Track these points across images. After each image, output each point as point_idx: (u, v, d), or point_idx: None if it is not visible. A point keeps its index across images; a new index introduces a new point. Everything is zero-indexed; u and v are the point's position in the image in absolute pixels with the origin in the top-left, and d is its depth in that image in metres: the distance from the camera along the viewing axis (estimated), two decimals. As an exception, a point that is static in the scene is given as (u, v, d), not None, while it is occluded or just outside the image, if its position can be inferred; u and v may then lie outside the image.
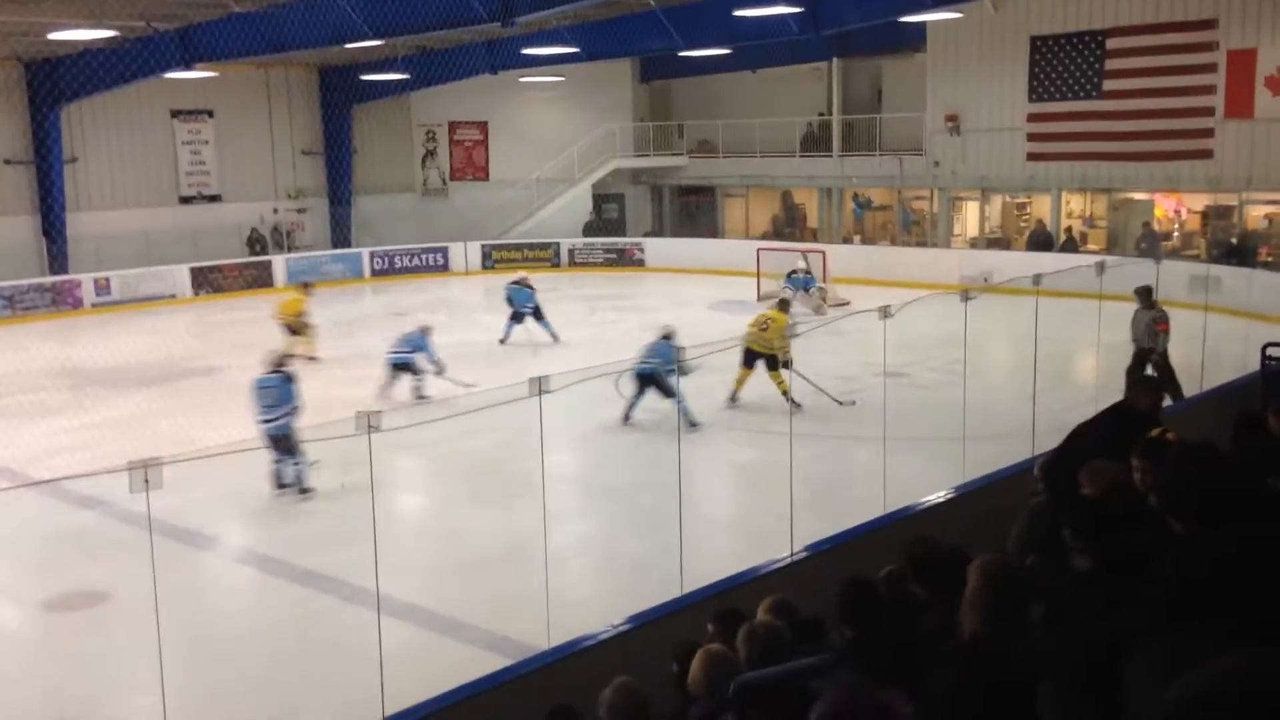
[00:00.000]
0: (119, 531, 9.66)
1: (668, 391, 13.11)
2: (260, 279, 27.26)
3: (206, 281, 26.49)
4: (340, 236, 30.67)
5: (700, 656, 4.48)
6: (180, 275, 26.13)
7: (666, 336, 13.87)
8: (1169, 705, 1.60)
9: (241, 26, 20.44)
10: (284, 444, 11.27)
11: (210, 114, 28.56)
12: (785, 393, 13.25)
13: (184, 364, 18.34)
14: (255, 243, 28.80)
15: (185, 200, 28.40)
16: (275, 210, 29.69)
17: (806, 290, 22.27)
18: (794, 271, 22.77)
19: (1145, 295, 13.22)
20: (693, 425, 12.83)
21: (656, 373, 13.34)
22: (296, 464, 11.39)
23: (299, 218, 30.20)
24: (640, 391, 13.58)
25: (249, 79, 28.42)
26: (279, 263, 27.88)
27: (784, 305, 15.05)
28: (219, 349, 19.76)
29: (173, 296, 25.76)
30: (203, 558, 10.16)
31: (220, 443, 11.43)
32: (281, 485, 11.46)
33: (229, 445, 10.59)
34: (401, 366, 15.56)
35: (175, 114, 28.00)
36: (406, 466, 12.48)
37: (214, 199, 28.82)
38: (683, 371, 11.43)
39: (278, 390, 11.45)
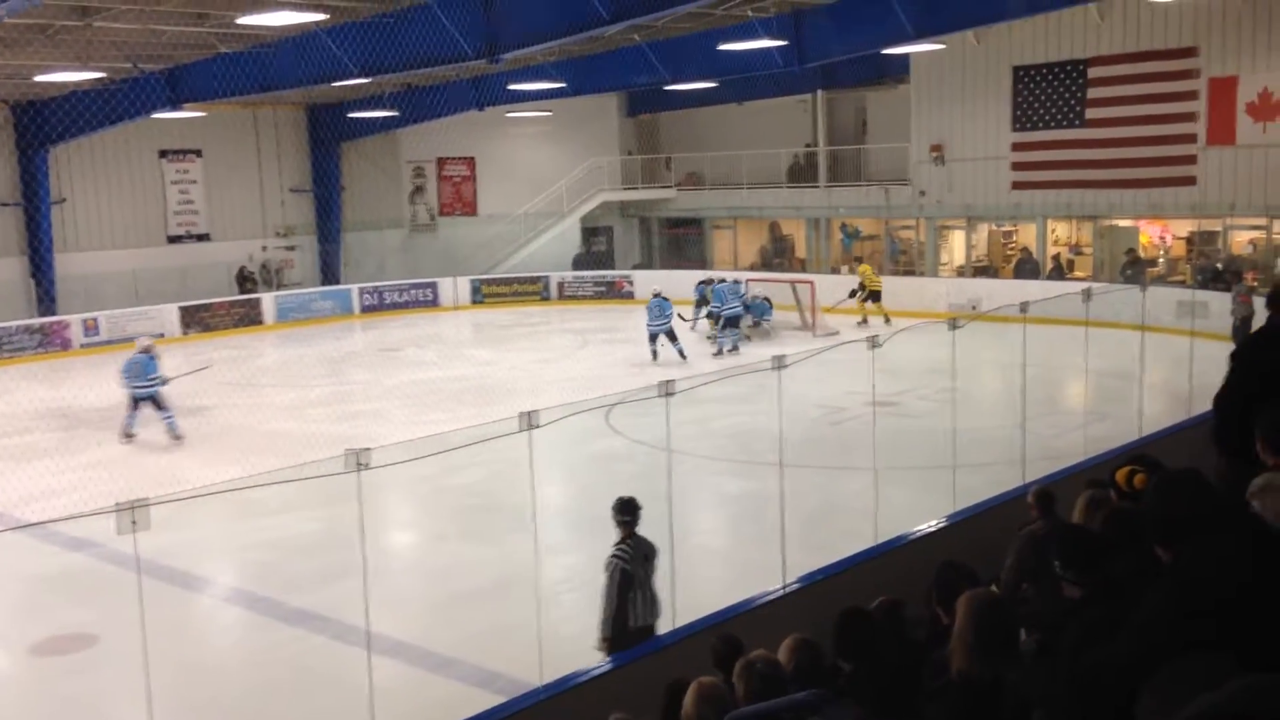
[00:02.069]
0: (108, 573, 9.59)
1: (673, 337, 20.13)
2: (250, 317, 27.25)
3: (196, 320, 26.46)
4: (330, 273, 30.71)
5: (694, 689, 4.45)
6: (169, 314, 26.09)
7: (657, 294, 20.23)
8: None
9: (229, 66, 20.52)
10: (156, 402, 15.65)
11: (198, 153, 28.64)
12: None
13: (172, 404, 18.26)
14: (245, 281, 28.80)
15: (174, 239, 28.42)
16: (264, 248, 29.73)
17: (762, 318, 23.01)
18: (756, 298, 23.44)
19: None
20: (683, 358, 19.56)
21: (669, 329, 20.16)
22: (168, 417, 15.63)
23: (288, 255, 30.23)
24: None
25: (237, 118, 28.53)
26: (268, 300, 27.88)
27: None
28: (208, 388, 19.70)
29: (161, 336, 25.69)
30: (192, 598, 10.09)
31: (209, 482, 11.38)
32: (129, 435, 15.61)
33: (217, 485, 10.54)
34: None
35: (163, 154, 28.08)
36: (396, 503, 12.44)
37: (203, 238, 28.85)
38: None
39: (144, 365, 15.76)
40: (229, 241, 29.01)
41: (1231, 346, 5.69)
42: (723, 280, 23.01)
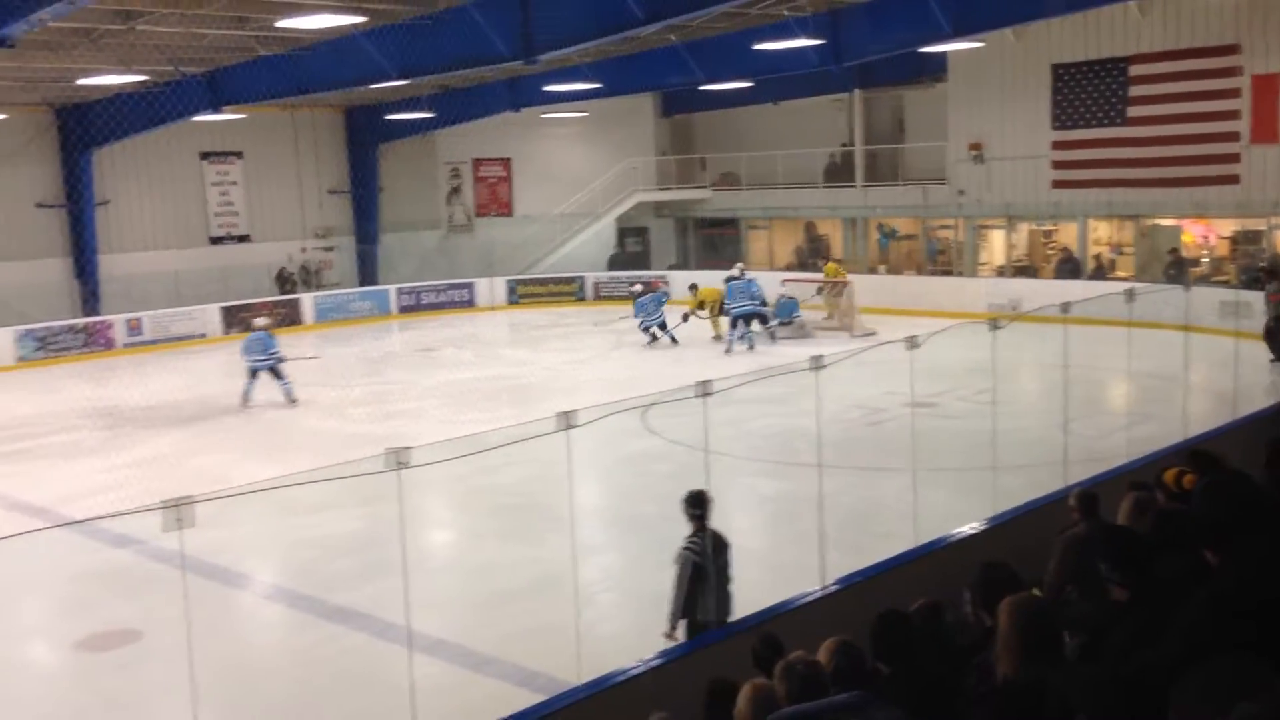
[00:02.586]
0: (152, 570, 9.72)
1: (764, 319, 21.69)
2: (289, 317, 27.50)
3: (237, 321, 26.72)
4: (367, 274, 30.93)
5: (746, 690, 4.46)
6: (211, 315, 26.39)
7: (737, 277, 22.21)
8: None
9: (268, 69, 20.73)
10: (275, 372, 18.01)
11: (239, 155, 28.95)
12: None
13: (216, 402, 18.48)
14: (284, 282, 29.07)
15: (215, 241, 28.74)
16: (303, 249, 29.98)
17: (791, 315, 23.09)
18: (781, 297, 23.52)
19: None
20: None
21: (758, 311, 21.56)
22: (286, 384, 18.02)
23: (327, 256, 30.49)
24: (746, 326, 21.32)
25: (276, 120, 28.79)
26: (307, 301, 28.13)
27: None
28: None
29: (204, 336, 26.01)
30: (234, 595, 10.20)
31: (251, 480, 11.51)
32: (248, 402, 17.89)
33: (259, 483, 10.65)
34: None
35: (204, 156, 28.41)
36: (435, 502, 12.52)
37: (243, 239, 29.16)
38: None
39: (264, 341, 18.17)
40: (269, 243, 29.31)
41: (1263, 347, 5.59)
42: (735, 278, 23.20)
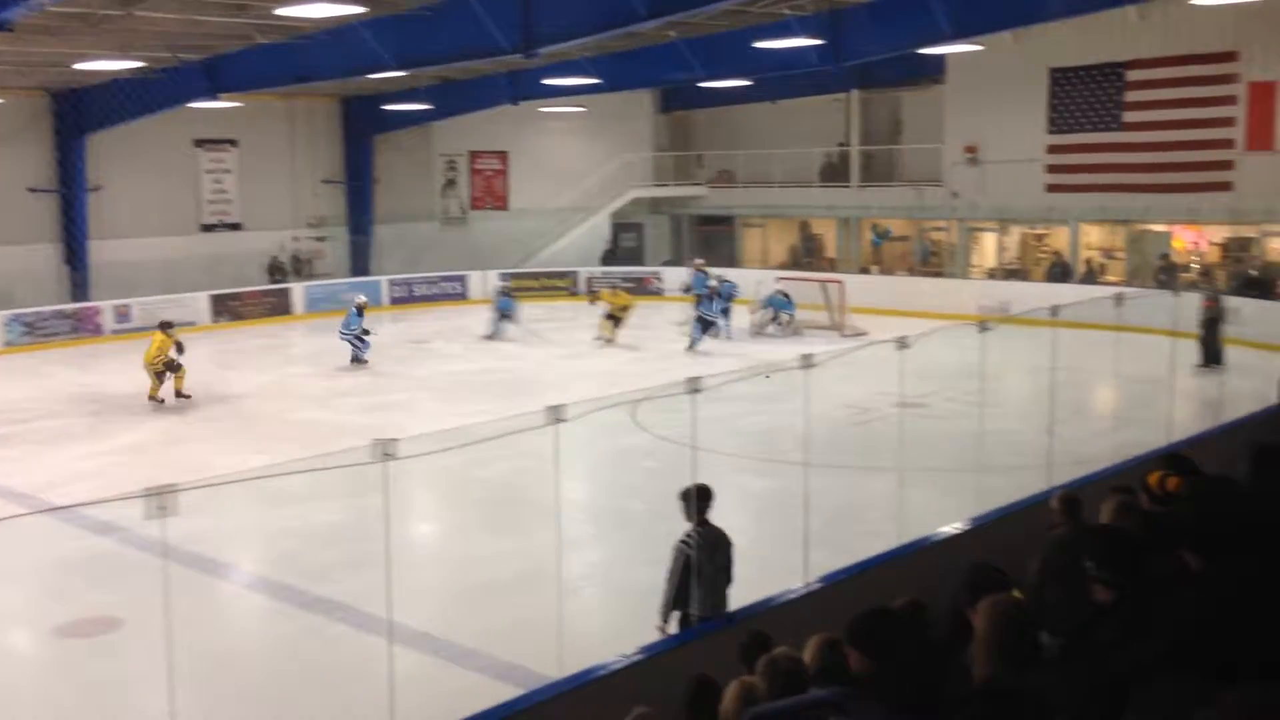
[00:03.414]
0: (134, 558, 9.67)
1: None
2: (280, 307, 27.43)
3: (226, 309, 26.65)
4: (359, 265, 30.86)
5: (734, 688, 4.46)
6: (200, 302, 26.29)
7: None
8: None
9: (266, 57, 20.64)
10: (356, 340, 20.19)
11: (234, 143, 28.83)
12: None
13: (203, 391, 18.41)
14: (275, 270, 28.99)
15: (207, 228, 28.62)
16: (295, 239, 29.89)
17: (781, 312, 23.20)
18: (775, 293, 23.59)
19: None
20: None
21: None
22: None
23: (319, 245, 30.40)
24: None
25: (272, 109, 28.70)
26: (298, 290, 28.05)
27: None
28: (237, 376, 19.84)
29: (192, 324, 25.90)
30: (217, 584, 10.15)
31: (237, 469, 11.47)
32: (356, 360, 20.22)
33: (244, 472, 10.61)
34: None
35: (199, 143, 28.28)
36: (421, 494, 12.48)
37: (235, 227, 29.05)
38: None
39: (350, 317, 20.54)
40: (261, 231, 29.19)
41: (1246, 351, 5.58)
42: (702, 271, 23.77)
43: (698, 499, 7.05)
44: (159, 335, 17.53)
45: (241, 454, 13.86)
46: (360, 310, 20.80)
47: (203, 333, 25.45)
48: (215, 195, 28.79)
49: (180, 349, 17.41)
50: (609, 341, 22.35)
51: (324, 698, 7.89)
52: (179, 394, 17.34)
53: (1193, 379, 16.07)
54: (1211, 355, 17.44)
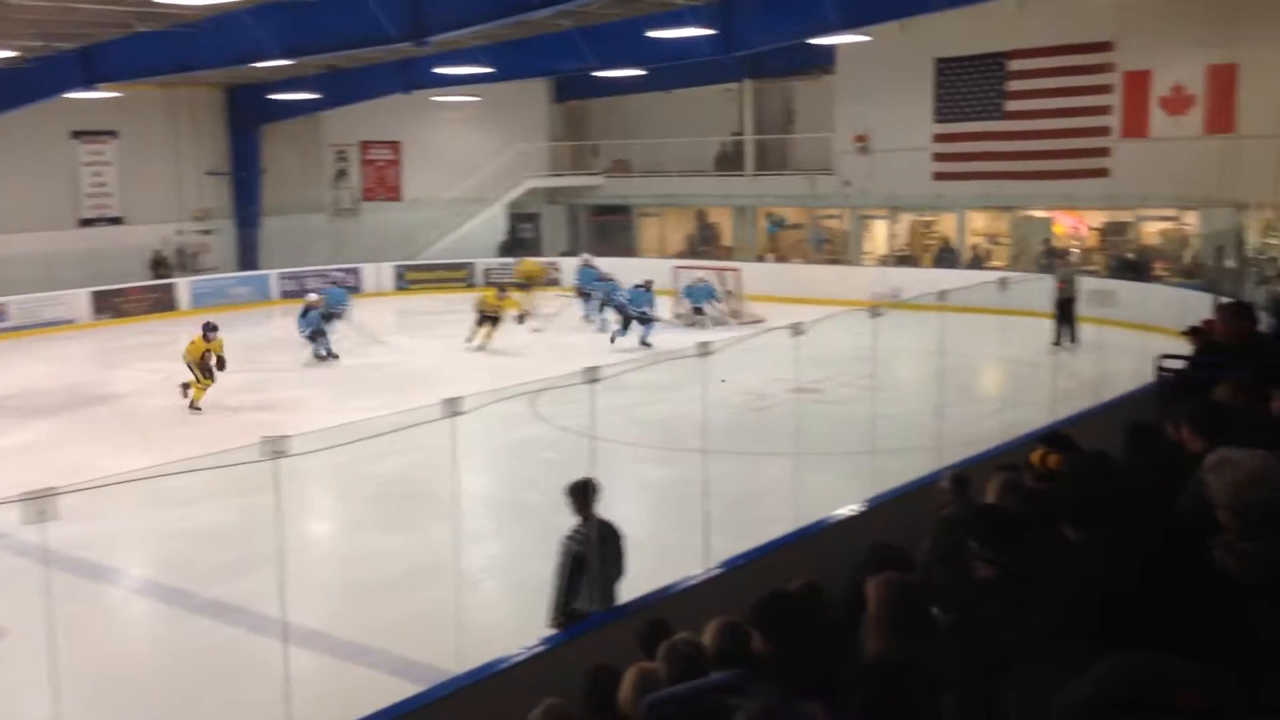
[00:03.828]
0: (14, 565, 9.31)
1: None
2: (164, 303, 26.62)
3: (108, 306, 25.76)
4: (247, 258, 30.10)
5: (631, 674, 4.45)
6: (80, 300, 25.37)
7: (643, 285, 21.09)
8: (1056, 713, 1.63)
9: (146, 46, 19.98)
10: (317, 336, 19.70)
11: (113, 134, 27.87)
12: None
13: (85, 391, 17.79)
14: (159, 265, 28.13)
15: (86, 223, 27.64)
16: (179, 232, 29.05)
17: (708, 300, 23.21)
18: (694, 283, 23.57)
19: None
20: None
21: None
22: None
23: (204, 239, 29.58)
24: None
25: (154, 99, 27.83)
26: (183, 285, 27.27)
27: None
28: (121, 375, 19.23)
29: (72, 321, 25.01)
30: (103, 590, 9.85)
31: (122, 471, 11.09)
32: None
33: (129, 473, 10.28)
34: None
35: (76, 135, 27.28)
36: (315, 492, 12.26)
37: (116, 221, 28.11)
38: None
39: (302, 321, 19.75)
40: (144, 225, 28.28)
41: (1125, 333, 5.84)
42: (590, 266, 24.03)
43: (584, 493, 6.92)
44: (196, 339, 16.42)
45: (128, 455, 13.43)
46: (306, 311, 19.97)
47: (84, 330, 24.61)
48: (95, 189, 27.81)
49: (221, 364, 16.29)
50: (480, 348, 20.66)
51: (218, 701, 7.71)
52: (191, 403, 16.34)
53: (1072, 358, 16.65)
54: (1066, 334, 18.05)
